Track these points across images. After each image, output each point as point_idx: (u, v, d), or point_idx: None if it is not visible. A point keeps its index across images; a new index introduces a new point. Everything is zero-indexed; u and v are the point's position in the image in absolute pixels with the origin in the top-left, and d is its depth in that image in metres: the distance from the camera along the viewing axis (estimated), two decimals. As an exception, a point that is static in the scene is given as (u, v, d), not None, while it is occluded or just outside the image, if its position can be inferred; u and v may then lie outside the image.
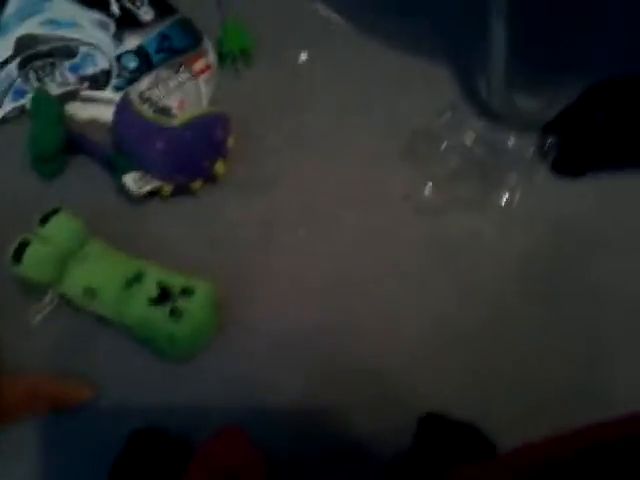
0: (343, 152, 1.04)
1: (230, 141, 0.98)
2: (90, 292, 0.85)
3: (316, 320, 0.92)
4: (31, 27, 1.04)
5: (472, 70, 1.07)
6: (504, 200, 0.99)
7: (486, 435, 0.79)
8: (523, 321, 0.94)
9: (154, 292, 0.84)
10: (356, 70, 1.11)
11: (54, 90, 1.02)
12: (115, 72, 1.05)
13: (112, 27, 1.07)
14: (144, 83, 1.05)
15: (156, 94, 1.04)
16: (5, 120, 1.02)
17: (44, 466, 0.82)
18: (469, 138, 1.01)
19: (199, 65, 1.08)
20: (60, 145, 0.97)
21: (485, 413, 0.83)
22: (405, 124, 1.05)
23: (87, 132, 1.01)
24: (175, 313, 0.82)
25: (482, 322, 0.93)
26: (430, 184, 0.99)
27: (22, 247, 0.84)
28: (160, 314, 0.82)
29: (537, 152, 1.02)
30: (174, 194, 0.97)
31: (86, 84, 1.04)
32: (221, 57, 1.09)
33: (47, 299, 0.87)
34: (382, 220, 1.00)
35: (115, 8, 1.08)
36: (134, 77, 1.05)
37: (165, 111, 1.02)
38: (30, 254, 0.84)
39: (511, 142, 1.00)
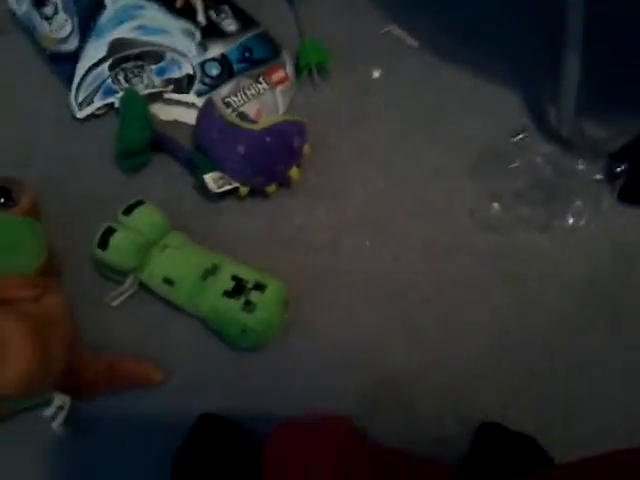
0: (411, 166, 1.07)
1: (306, 148, 1.02)
2: (168, 281, 0.89)
3: (378, 326, 0.95)
4: (124, 32, 1.10)
5: (542, 96, 1.08)
6: (570, 222, 1.00)
7: (543, 448, 0.80)
8: (583, 341, 0.95)
9: (229, 284, 0.87)
10: (427, 89, 1.13)
11: (141, 91, 1.07)
12: (198, 78, 1.10)
13: (198, 36, 1.12)
14: (225, 90, 1.10)
15: (236, 101, 1.10)
16: (94, 116, 1.08)
17: (110, 442, 0.86)
18: (538, 160, 1.02)
19: (277, 76, 1.12)
20: (145, 142, 1.01)
21: (542, 429, 0.84)
22: (473, 142, 1.07)
23: (169, 132, 1.06)
24: (249, 305, 0.86)
25: (543, 338, 0.95)
26: (497, 202, 1.01)
27: (108, 234, 0.88)
28: (233, 305, 0.86)
29: (605, 179, 1.03)
30: (249, 195, 1.00)
31: (170, 87, 1.09)
32: (298, 69, 1.14)
33: (127, 284, 0.91)
34: (447, 233, 1.02)
35: (202, 18, 1.14)
36: (216, 83, 1.10)
37: (244, 117, 1.07)
38: (116, 241, 0.88)
39: (580, 167, 1.01)
